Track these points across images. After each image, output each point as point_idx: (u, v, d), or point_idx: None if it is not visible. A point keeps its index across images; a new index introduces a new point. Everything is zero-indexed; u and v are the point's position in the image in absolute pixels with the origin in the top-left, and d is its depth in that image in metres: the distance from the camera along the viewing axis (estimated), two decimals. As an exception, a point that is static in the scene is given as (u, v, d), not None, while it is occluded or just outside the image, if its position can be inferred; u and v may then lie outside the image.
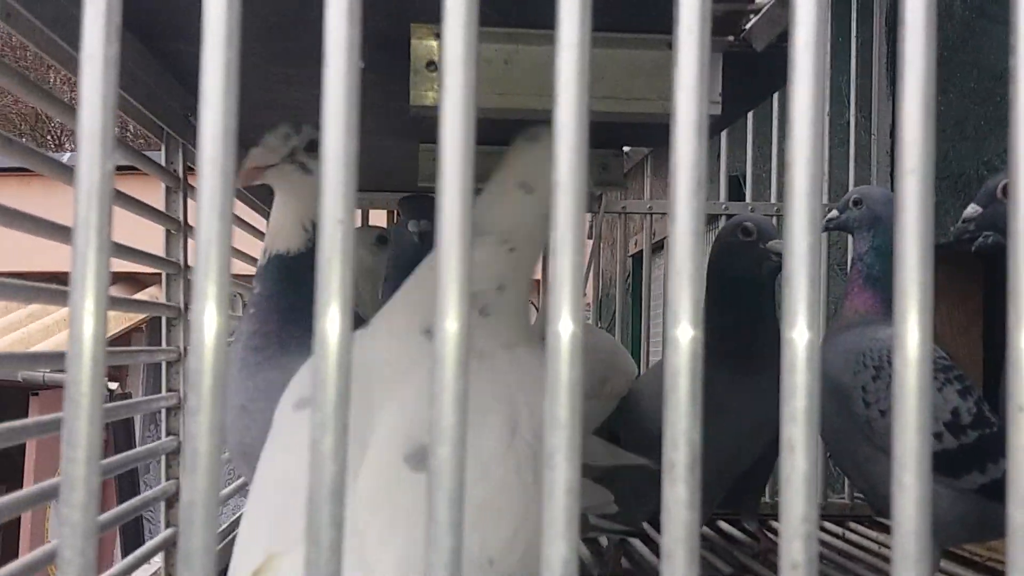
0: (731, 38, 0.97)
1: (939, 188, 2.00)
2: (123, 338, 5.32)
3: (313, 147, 1.03)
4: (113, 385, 3.55)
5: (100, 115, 0.44)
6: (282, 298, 1.02)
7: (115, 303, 1.20)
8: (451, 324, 0.44)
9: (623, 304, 2.28)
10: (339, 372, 0.44)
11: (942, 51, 1.96)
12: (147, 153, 1.26)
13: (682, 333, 0.45)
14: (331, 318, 0.44)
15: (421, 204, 1.45)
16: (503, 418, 0.83)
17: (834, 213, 1.49)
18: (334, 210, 0.44)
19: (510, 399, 0.85)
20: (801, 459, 0.44)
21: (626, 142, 1.75)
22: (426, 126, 1.12)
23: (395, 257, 1.57)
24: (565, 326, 0.44)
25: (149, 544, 1.21)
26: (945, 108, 1.91)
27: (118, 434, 3.43)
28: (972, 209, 1.15)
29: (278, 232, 1.05)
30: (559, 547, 0.44)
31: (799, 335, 0.45)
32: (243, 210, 1.63)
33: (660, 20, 0.88)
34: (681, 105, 0.45)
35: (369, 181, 2.01)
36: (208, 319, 0.43)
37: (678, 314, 0.45)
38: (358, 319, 1.07)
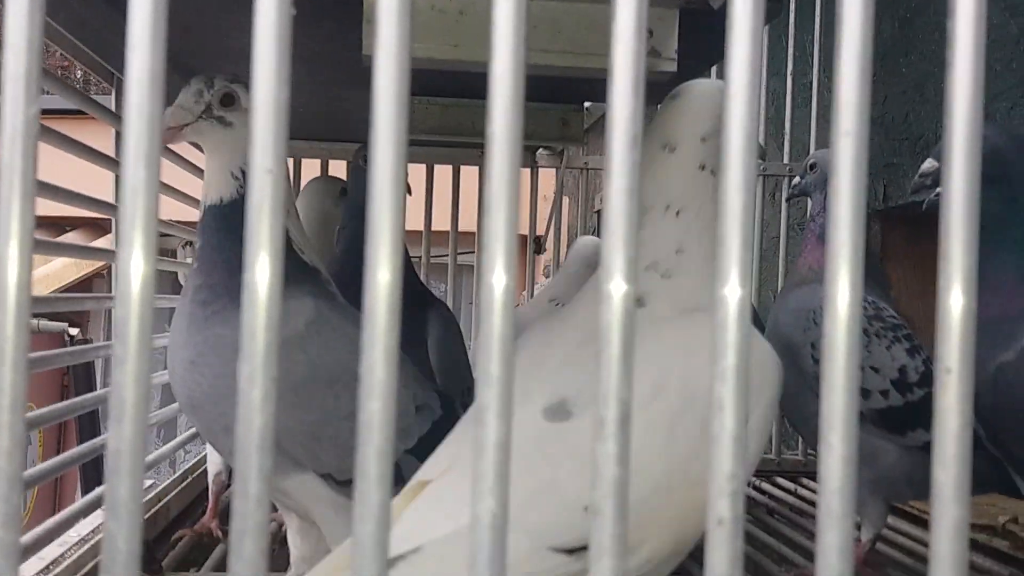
0: (685, -5, 0.96)
1: (899, 150, 2.01)
2: (84, 283, 5.27)
3: (228, 100, 1.02)
4: (74, 331, 3.52)
5: (25, 58, 0.43)
6: (223, 249, 1.02)
7: (61, 249, 1.18)
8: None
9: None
10: (268, 323, 0.44)
11: (905, 13, 1.96)
12: (97, 98, 1.24)
13: (615, 288, 0.44)
14: (260, 268, 0.43)
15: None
16: (649, 378, 0.82)
17: (796, 180, 1.50)
18: (263, 160, 0.43)
19: (664, 362, 0.85)
20: (729, 418, 0.45)
21: (587, 97, 1.75)
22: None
23: (350, 206, 1.56)
24: (499, 279, 0.44)
25: (96, 492, 1.21)
26: (907, 70, 1.91)
27: (79, 378, 3.42)
28: (929, 164, 1.13)
29: (210, 184, 1.05)
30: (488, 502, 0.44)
31: (731, 292, 0.45)
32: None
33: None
34: (618, 60, 0.45)
35: (328, 131, 1.99)
36: (135, 268, 0.43)
37: (611, 269, 0.44)
38: (307, 267, 1.07)
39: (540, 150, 2.10)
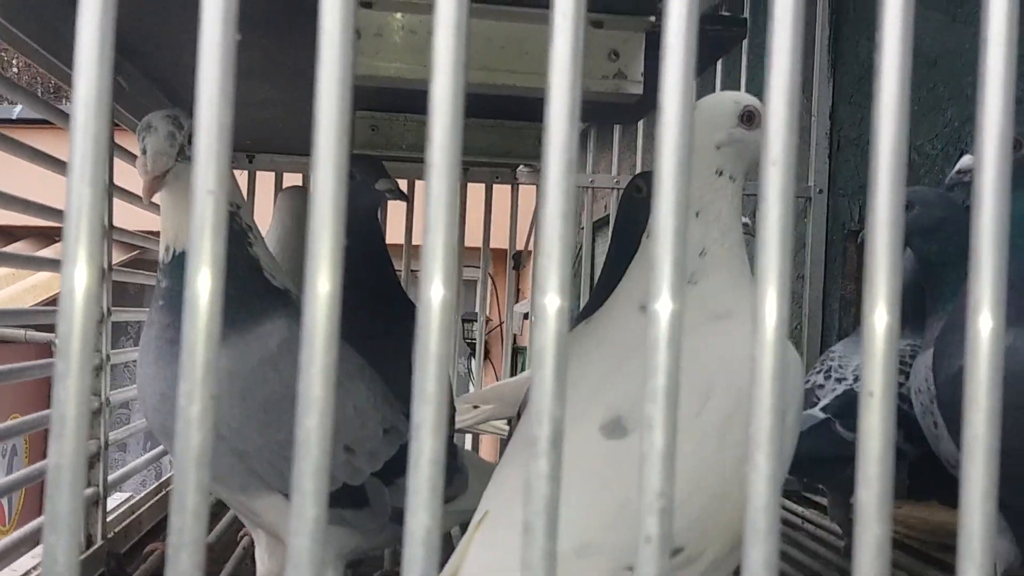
0: (652, 19, 0.97)
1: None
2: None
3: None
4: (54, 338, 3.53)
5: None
6: None
7: (6, 259, 1.19)
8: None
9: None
10: (208, 341, 0.44)
11: (881, 36, 1.98)
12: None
13: (550, 303, 0.45)
14: (202, 282, 0.44)
15: (376, 163, 1.45)
16: (696, 389, 0.86)
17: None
18: (205, 181, 0.44)
19: (708, 371, 0.87)
20: (659, 437, 0.46)
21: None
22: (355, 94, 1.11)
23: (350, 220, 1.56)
24: (436, 292, 0.45)
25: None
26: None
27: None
28: (968, 160, 1.20)
29: (179, 229, 1.03)
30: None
31: (663, 307, 0.46)
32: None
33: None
34: (555, 84, 0.46)
35: (308, 146, 2.00)
36: (78, 283, 0.44)
37: (545, 287, 0.45)
38: (278, 291, 1.08)
39: (520, 167, 2.11)
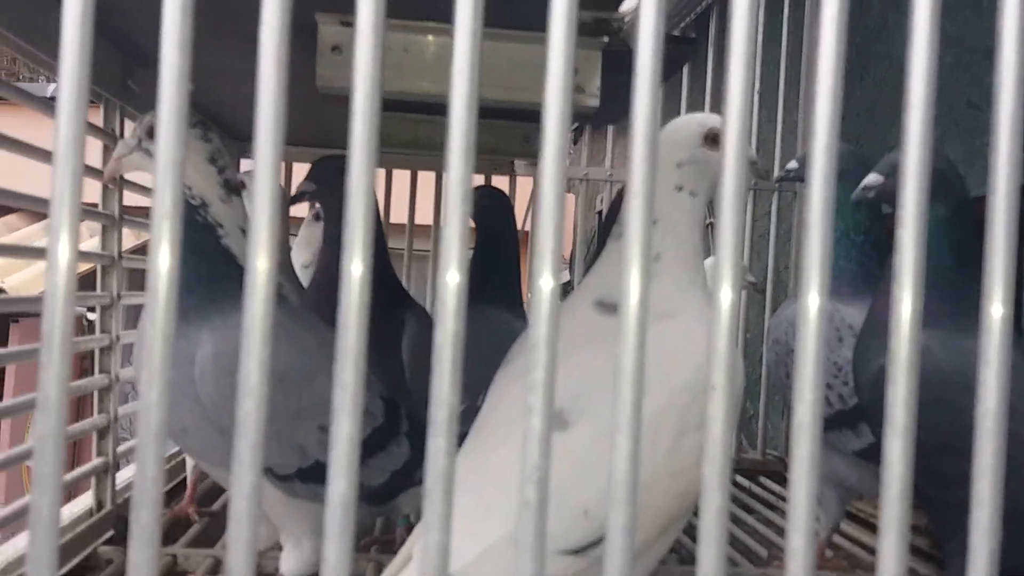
0: (606, 39, 1.06)
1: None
2: (88, 277, 5.38)
3: (152, 132, 1.13)
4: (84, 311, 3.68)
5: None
6: None
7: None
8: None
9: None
10: (164, 335, 0.54)
11: (861, 40, 2.06)
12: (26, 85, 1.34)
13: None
14: (163, 257, 0.54)
15: (318, 166, 1.55)
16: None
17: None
18: (162, 205, 0.53)
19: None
20: (538, 422, 0.55)
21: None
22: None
23: (327, 229, 1.65)
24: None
25: (77, 471, 1.33)
26: (860, 93, 2.01)
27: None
28: (874, 177, 1.26)
29: None
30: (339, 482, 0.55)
31: (545, 283, 0.55)
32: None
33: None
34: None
35: (314, 138, 2.10)
36: (61, 259, 0.53)
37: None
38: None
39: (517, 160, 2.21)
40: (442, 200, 0.57)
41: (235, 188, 1.15)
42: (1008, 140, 0.55)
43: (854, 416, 1.39)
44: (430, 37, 1.08)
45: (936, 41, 0.56)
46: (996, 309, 0.54)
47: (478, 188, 1.77)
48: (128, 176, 1.33)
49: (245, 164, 2.15)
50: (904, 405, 0.54)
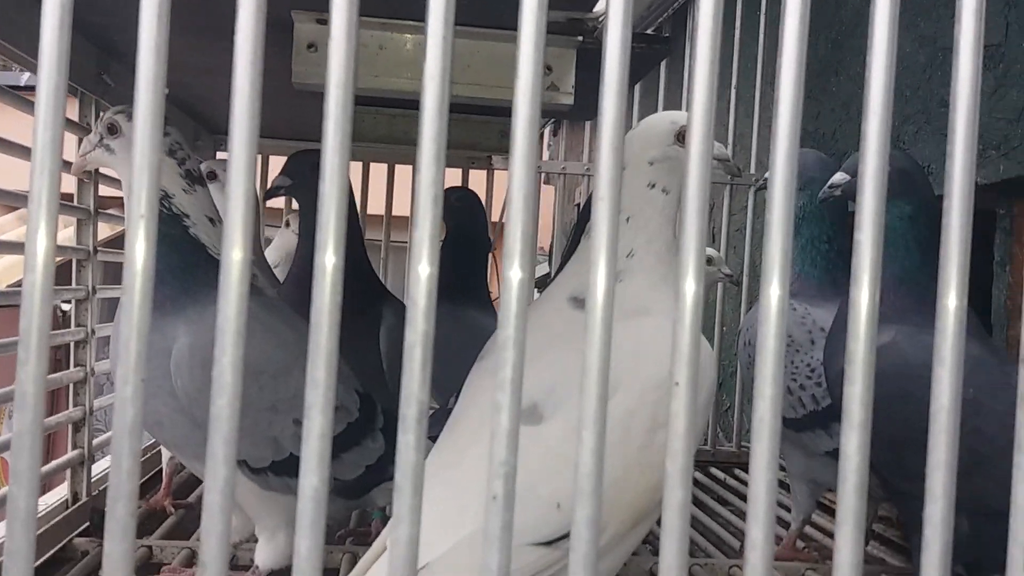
0: (580, 38, 1.07)
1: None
2: (64, 267, 5.35)
3: (112, 129, 1.16)
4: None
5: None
6: None
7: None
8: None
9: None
10: (139, 332, 0.55)
11: (836, 35, 2.08)
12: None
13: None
14: (139, 248, 0.55)
15: (293, 160, 1.56)
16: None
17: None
18: (138, 207, 0.54)
19: (617, 363, 0.98)
20: (505, 419, 0.56)
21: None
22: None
23: (304, 224, 1.66)
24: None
25: (53, 464, 1.33)
26: (836, 89, 2.03)
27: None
28: (840, 176, 1.29)
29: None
30: (311, 478, 0.56)
31: (514, 275, 0.56)
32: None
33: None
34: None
35: (290, 130, 2.11)
36: (39, 280, 0.54)
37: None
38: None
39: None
40: (413, 199, 0.58)
41: (198, 179, 1.16)
42: (964, 136, 0.57)
43: (826, 416, 1.41)
44: (407, 35, 1.09)
45: (895, 46, 0.57)
46: (951, 300, 0.56)
47: (449, 189, 1.79)
48: (103, 170, 1.33)
49: (223, 156, 2.16)
50: (860, 401, 0.55)
